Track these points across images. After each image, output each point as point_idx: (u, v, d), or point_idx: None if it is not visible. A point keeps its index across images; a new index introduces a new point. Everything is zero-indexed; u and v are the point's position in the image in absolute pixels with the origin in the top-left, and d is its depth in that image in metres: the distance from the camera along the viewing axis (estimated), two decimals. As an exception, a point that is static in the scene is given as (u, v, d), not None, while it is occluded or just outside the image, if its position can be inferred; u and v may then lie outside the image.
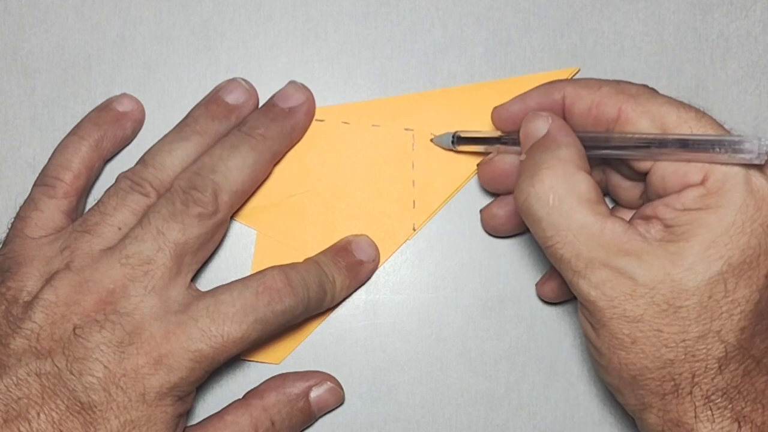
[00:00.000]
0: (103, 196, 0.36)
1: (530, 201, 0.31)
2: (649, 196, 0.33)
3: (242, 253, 0.39)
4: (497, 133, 0.37)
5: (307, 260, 0.37)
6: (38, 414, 0.31)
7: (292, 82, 0.39)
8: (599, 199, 0.31)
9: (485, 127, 0.39)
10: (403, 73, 0.40)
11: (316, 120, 0.39)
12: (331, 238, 0.39)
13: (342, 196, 0.39)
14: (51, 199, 0.36)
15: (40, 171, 0.38)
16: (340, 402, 0.38)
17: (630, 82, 0.33)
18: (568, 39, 0.40)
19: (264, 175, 0.38)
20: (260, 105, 0.39)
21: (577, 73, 0.40)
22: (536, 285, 0.39)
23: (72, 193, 0.37)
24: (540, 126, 0.33)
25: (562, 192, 0.30)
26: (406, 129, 0.40)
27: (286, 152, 0.39)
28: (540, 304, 0.39)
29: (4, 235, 0.36)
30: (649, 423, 0.31)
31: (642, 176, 0.33)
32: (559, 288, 0.37)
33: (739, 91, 0.40)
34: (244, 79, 0.39)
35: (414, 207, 0.39)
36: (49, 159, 0.38)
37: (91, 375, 0.32)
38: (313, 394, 0.37)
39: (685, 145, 0.30)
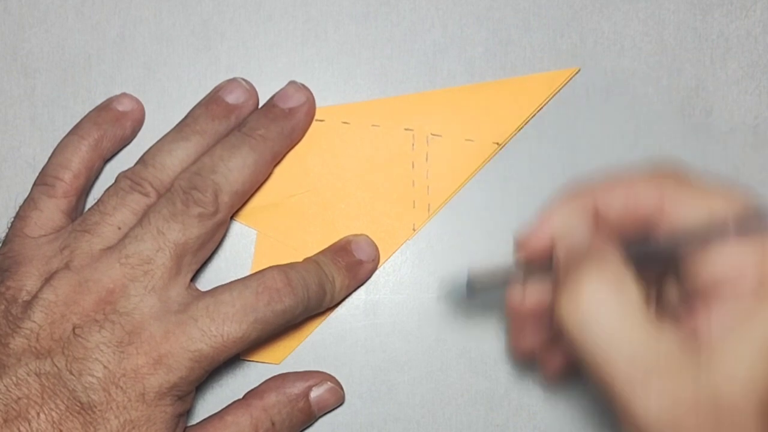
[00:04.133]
0: (102, 196, 0.36)
1: (583, 319, 0.28)
2: (697, 297, 0.30)
3: (242, 253, 0.39)
4: (508, 272, 0.33)
5: (306, 260, 0.37)
6: (38, 414, 0.31)
7: (292, 83, 0.39)
8: (647, 300, 0.29)
9: (485, 128, 0.39)
10: (403, 73, 0.40)
11: (316, 120, 0.39)
12: (331, 238, 0.39)
13: (342, 196, 0.39)
14: (51, 198, 0.36)
15: (39, 171, 0.38)
16: (340, 402, 0.38)
17: (665, 167, 0.31)
18: (568, 39, 0.40)
19: (264, 175, 0.38)
20: (260, 105, 0.39)
21: (576, 73, 0.40)
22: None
23: (72, 193, 0.37)
24: (578, 237, 0.31)
25: (612, 304, 0.28)
26: (406, 129, 0.40)
27: (287, 153, 0.39)
28: (540, 304, 0.39)
29: (4, 234, 0.36)
30: None
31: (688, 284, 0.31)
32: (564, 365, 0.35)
33: (739, 91, 0.40)
34: (244, 79, 0.39)
35: (414, 207, 0.39)
36: (49, 158, 0.38)
37: (91, 375, 0.32)
38: (313, 394, 0.37)
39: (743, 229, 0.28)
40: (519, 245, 0.33)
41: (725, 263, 0.29)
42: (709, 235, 0.29)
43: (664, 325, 0.28)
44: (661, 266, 0.32)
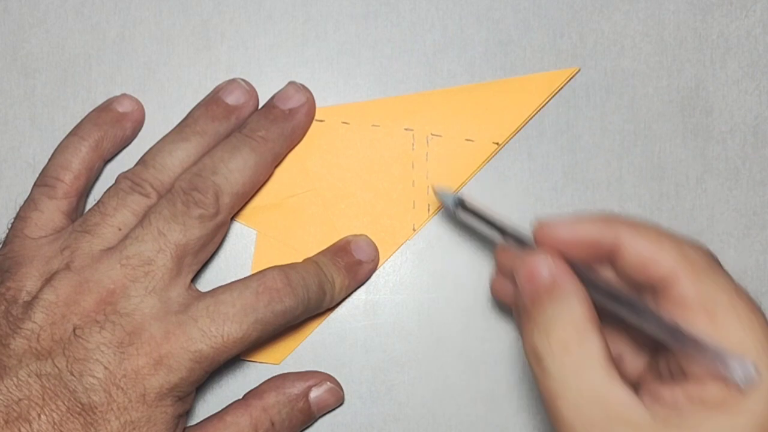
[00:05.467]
0: (103, 197, 0.36)
1: (542, 355, 0.30)
2: (670, 363, 0.31)
3: (242, 253, 0.39)
4: (502, 222, 0.34)
5: (306, 260, 0.37)
6: (39, 415, 0.31)
7: (291, 83, 0.39)
8: (610, 357, 0.29)
9: (485, 128, 0.39)
10: (403, 73, 0.40)
11: (316, 120, 0.39)
12: (331, 238, 0.39)
13: (342, 196, 0.39)
14: (51, 199, 0.36)
15: (40, 171, 0.38)
16: (340, 402, 0.38)
17: (691, 243, 0.31)
18: (568, 39, 0.40)
19: (265, 177, 0.38)
20: (260, 105, 0.39)
21: (576, 73, 0.40)
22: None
23: (72, 194, 0.37)
24: (542, 270, 0.31)
25: (575, 353, 0.29)
26: (406, 129, 0.40)
27: (287, 153, 0.39)
28: (540, 304, 0.39)
29: (4, 235, 0.36)
30: None
31: (653, 347, 0.32)
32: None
33: (739, 91, 0.40)
34: (244, 80, 0.39)
35: (414, 207, 0.39)
36: (49, 159, 0.38)
37: (92, 376, 0.32)
38: (313, 394, 0.37)
39: (675, 334, 0.29)
40: (536, 231, 0.32)
41: (701, 368, 0.29)
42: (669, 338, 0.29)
43: (618, 387, 0.29)
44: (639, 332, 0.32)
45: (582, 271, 0.31)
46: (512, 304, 0.35)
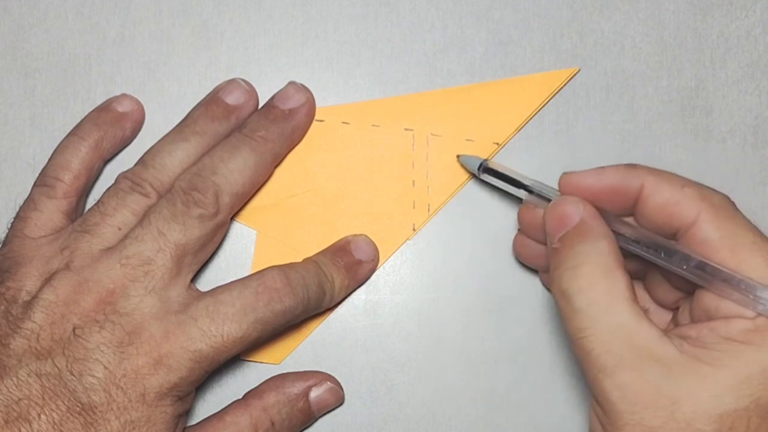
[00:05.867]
0: (102, 197, 0.36)
1: (570, 292, 0.30)
2: (694, 313, 0.32)
3: (242, 253, 0.39)
4: (526, 179, 0.36)
5: (306, 260, 0.37)
6: (39, 415, 0.31)
7: (291, 83, 0.39)
8: (635, 297, 0.30)
9: (485, 128, 0.39)
10: (403, 73, 0.40)
11: (316, 120, 0.39)
12: (331, 238, 0.39)
13: (342, 196, 0.39)
14: (51, 199, 0.36)
15: (40, 171, 0.38)
16: (340, 402, 0.38)
17: (712, 190, 0.32)
18: (568, 39, 0.40)
19: (265, 177, 0.38)
20: (260, 105, 0.39)
21: (576, 73, 0.40)
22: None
23: (72, 194, 0.37)
24: (572, 212, 0.32)
25: (603, 288, 0.30)
26: (406, 129, 0.40)
27: (287, 153, 0.39)
28: (540, 304, 0.39)
29: (4, 235, 0.36)
30: None
31: (690, 289, 0.32)
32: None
33: (739, 91, 0.40)
34: (243, 80, 0.39)
35: (414, 207, 0.39)
36: (49, 159, 0.38)
37: (92, 375, 0.32)
38: (313, 394, 0.37)
39: (704, 269, 0.30)
40: (562, 182, 0.34)
41: (728, 301, 0.30)
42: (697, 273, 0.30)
43: (645, 322, 0.30)
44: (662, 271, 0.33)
45: (608, 219, 0.32)
46: (535, 262, 0.37)
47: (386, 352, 0.39)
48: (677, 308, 0.34)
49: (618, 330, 0.29)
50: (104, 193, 0.36)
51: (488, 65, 0.40)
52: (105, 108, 0.39)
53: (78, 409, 0.31)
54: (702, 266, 0.30)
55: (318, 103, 0.39)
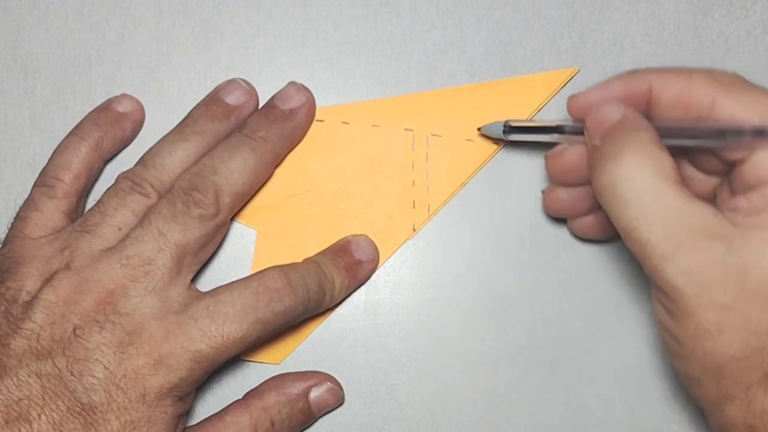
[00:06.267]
0: (102, 197, 0.36)
1: (615, 182, 0.30)
2: (736, 187, 0.31)
3: (242, 253, 0.39)
4: (554, 122, 0.36)
5: (306, 260, 0.37)
6: (39, 415, 0.31)
7: (292, 83, 0.39)
8: (683, 181, 0.30)
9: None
10: (403, 73, 0.40)
11: (316, 120, 0.39)
12: (331, 238, 0.39)
13: (342, 196, 0.39)
14: (51, 199, 0.36)
15: (40, 171, 0.38)
16: (340, 402, 0.38)
17: (720, 71, 0.32)
18: (568, 39, 0.40)
19: (265, 177, 0.38)
20: (260, 105, 0.39)
21: (576, 73, 0.40)
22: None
23: (72, 194, 0.37)
24: (612, 111, 0.32)
25: (650, 172, 0.29)
26: (406, 129, 0.40)
27: (287, 154, 0.39)
28: (540, 304, 0.39)
29: (4, 235, 0.36)
30: (729, 415, 0.30)
31: (722, 170, 0.32)
32: (597, 225, 0.37)
33: (739, 91, 0.40)
34: (244, 80, 0.39)
35: (414, 207, 0.39)
36: (49, 159, 0.38)
37: (92, 376, 0.32)
38: (313, 394, 0.37)
39: (762, 134, 0.29)
40: (570, 105, 0.34)
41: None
42: (754, 138, 0.30)
43: (696, 202, 0.29)
44: (692, 154, 0.34)
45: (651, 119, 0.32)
46: (569, 212, 0.37)
47: (386, 352, 0.39)
48: (719, 184, 0.34)
49: (671, 214, 0.29)
50: (104, 193, 0.36)
51: (488, 65, 0.40)
52: (105, 108, 0.39)
53: (78, 409, 0.31)
54: (759, 132, 0.29)
55: (318, 103, 0.39)
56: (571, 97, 0.34)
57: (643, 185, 0.29)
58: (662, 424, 0.38)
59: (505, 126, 0.37)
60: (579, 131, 0.34)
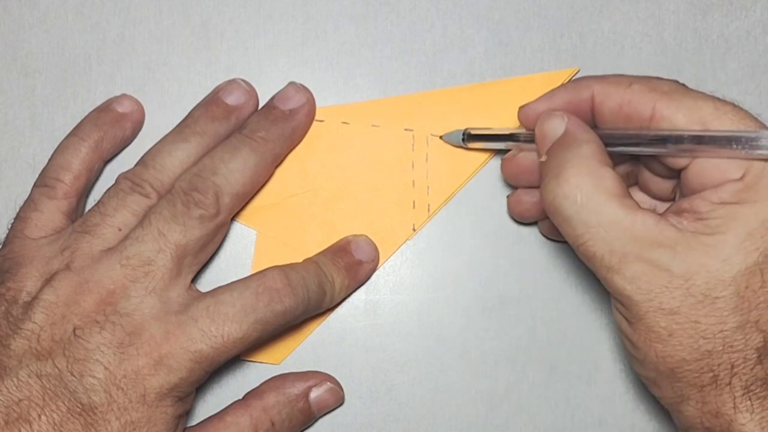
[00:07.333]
0: (103, 197, 0.36)
1: (558, 201, 0.31)
2: (683, 191, 0.32)
3: (242, 253, 0.39)
4: (509, 130, 0.37)
5: (306, 260, 0.37)
6: (39, 416, 0.31)
7: (291, 84, 0.39)
8: (626, 192, 0.31)
9: (488, 126, 0.39)
10: (403, 73, 0.40)
11: (316, 120, 0.39)
12: (331, 238, 0.39)
13: (342, 196, 0.39)
14: (51, 200, 0.36)
15: (40, 171, 0.38)
16: (340, 402, 0.38)
17: (660, 78, 0.32)
18: (568, 39, 0.40)
19: (265, 177, 0.38)
20: (260, 106, 0.39)
21: (576, 73, 0.40)
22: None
23: (72, 194, 0.37)
24: (556, 125, 0.32)
25: (589, 189, 0.30)
26: (406, 129, 0.40)
27: (287, 154, 0.39)
28: (540, 304, 0.39)
29: (4, 235, 0.36)
30: (686, 416, 0.31)
31: (675, 173, 0.33)
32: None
33: (739, 91, 0.40)
34: (243, 80, 0.39)
35: (414, 207, 0.39)
36: (49, 160, 0.38)
37: (92, 376, 0.32)
38: (313, 394, 0.37)
39: (701, 141, 0.30)
40: (520, 116, 0.35)
41: (713, 170, 0.30)
42: (671, 147, 0.31)
43: (638, 212, 0.30)
44: (645, 159, 0.34)
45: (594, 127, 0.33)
46: (531, 214, 0.38)
47: (386, 352, 0.39)
48: (674, 198, 0.35)
49: (613, 227, 0.30)
50: (104, 193, 0.36)
51: (488, 65, 0.40)
52: (105, 108, 0.39)
53: (78, 409, 0.31)
54: (698, 138, 0.30)
55: (318, 103, 0.39)
56: (521, 108, 0.35)
57: (583, 203, 0.30)
58: (662, 424, 0.38)
59: (464, 134, 0.38)
60: (532, 139, 0.34)
